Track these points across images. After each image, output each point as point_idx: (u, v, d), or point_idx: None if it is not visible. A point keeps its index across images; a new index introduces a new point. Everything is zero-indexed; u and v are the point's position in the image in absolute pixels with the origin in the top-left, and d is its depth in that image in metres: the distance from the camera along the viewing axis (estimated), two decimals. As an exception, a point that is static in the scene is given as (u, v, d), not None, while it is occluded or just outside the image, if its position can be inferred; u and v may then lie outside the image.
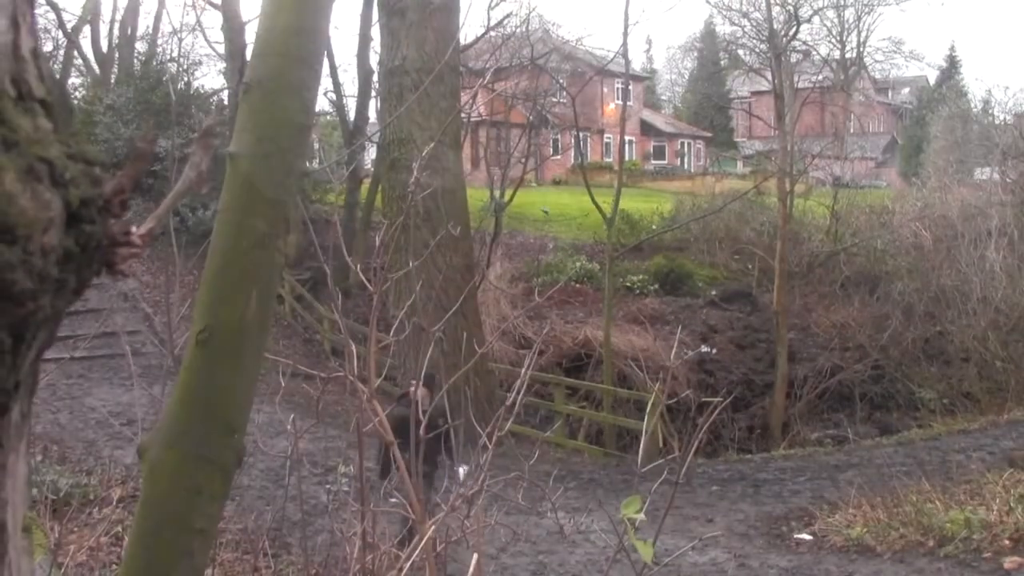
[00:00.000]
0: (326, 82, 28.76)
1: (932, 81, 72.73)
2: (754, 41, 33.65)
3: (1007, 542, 8.47)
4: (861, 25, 61.55)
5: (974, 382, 22.01)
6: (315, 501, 9.94)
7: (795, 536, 10.54)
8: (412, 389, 7.02)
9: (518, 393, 3.20)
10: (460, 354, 7.98)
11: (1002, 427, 18.15)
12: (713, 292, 27.28)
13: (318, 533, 7.81)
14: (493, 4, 28.28)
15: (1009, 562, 8.05)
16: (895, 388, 23.30)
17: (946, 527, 9.08)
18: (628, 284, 26.63)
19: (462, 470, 6.73)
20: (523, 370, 3.41)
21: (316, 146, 34.67)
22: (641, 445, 2.97)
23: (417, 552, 2.76)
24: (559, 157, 50.17)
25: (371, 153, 30.04)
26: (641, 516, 2.36)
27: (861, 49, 62.26)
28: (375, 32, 24.44)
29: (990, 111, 43.24)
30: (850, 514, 10.61)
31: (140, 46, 37.44)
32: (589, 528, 10.38)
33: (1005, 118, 40.98)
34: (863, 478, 11.93)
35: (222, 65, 34.21)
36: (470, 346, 4.15)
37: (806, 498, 12.74)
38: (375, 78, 25.20)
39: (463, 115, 23.03)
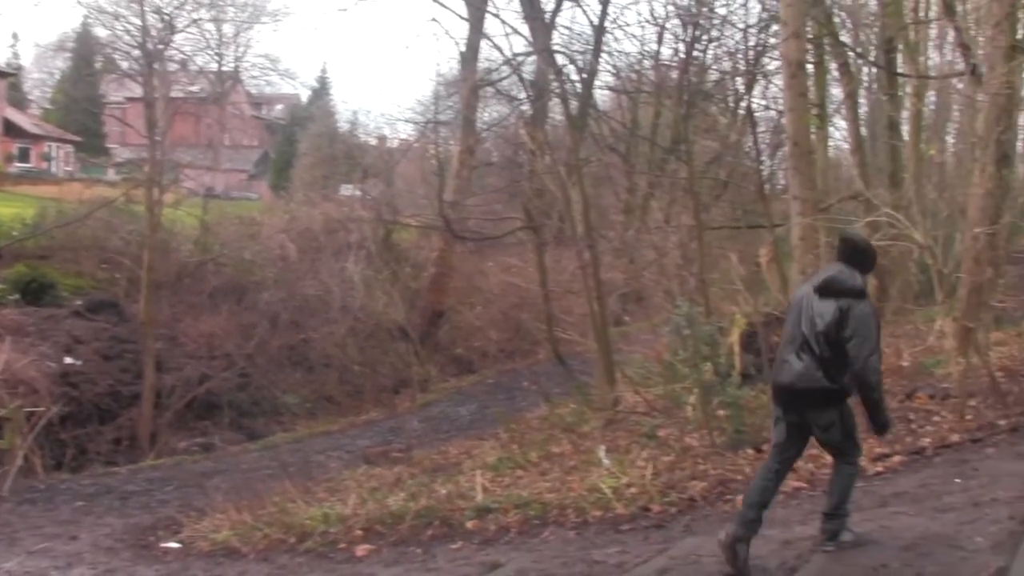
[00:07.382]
0: None
1: (304, 100, 75.92)
2: (129, 46, 32.66)
3: (359, 532, 9.28)
4: (239, 40, 62.56)
5: (335, 386, 23.46)
6: None
7: (162, 545, 10.60)
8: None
9: None
10: None
11: (360, 427, 19.66)
12: (79, 302, 26.12)
13: None
14: None
15: (361, 549, 8.85)
16: (261, 394, 23.99)
17: (306, 523, 9.72)
18: (-15, 293, 24.72)
19: None
20: None
21: None
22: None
23: None
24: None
25: None
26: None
27: (238, 64, 63.30)
28: None
29: (355, 132, 46.13)
30: (217, 519, 10.90)
31: None
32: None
33: (368, 139, 44.14)
34: (230, 483, 12.31)
35: None
36: None
37: (174, 507, 12.84)
38: None
39: None
